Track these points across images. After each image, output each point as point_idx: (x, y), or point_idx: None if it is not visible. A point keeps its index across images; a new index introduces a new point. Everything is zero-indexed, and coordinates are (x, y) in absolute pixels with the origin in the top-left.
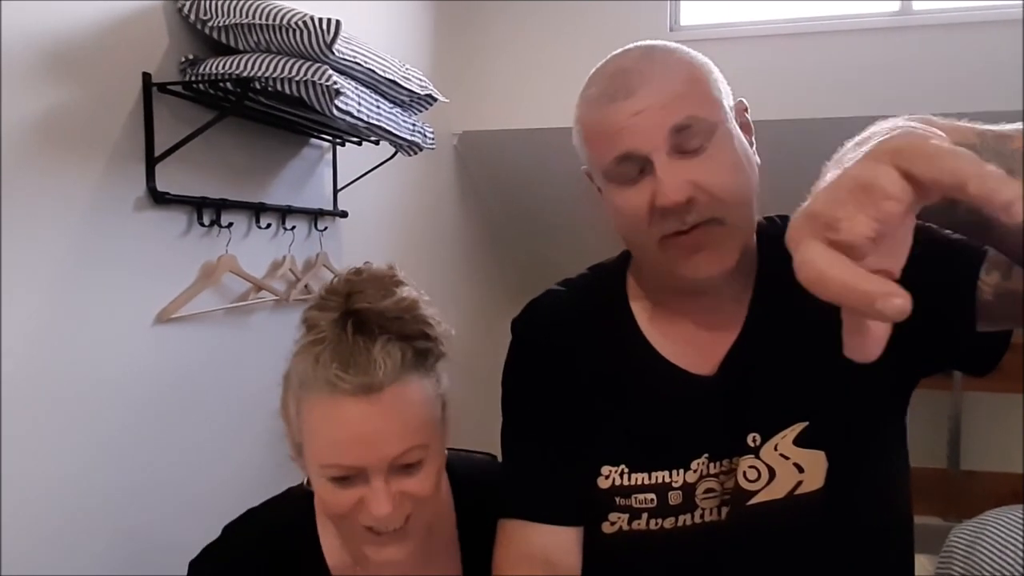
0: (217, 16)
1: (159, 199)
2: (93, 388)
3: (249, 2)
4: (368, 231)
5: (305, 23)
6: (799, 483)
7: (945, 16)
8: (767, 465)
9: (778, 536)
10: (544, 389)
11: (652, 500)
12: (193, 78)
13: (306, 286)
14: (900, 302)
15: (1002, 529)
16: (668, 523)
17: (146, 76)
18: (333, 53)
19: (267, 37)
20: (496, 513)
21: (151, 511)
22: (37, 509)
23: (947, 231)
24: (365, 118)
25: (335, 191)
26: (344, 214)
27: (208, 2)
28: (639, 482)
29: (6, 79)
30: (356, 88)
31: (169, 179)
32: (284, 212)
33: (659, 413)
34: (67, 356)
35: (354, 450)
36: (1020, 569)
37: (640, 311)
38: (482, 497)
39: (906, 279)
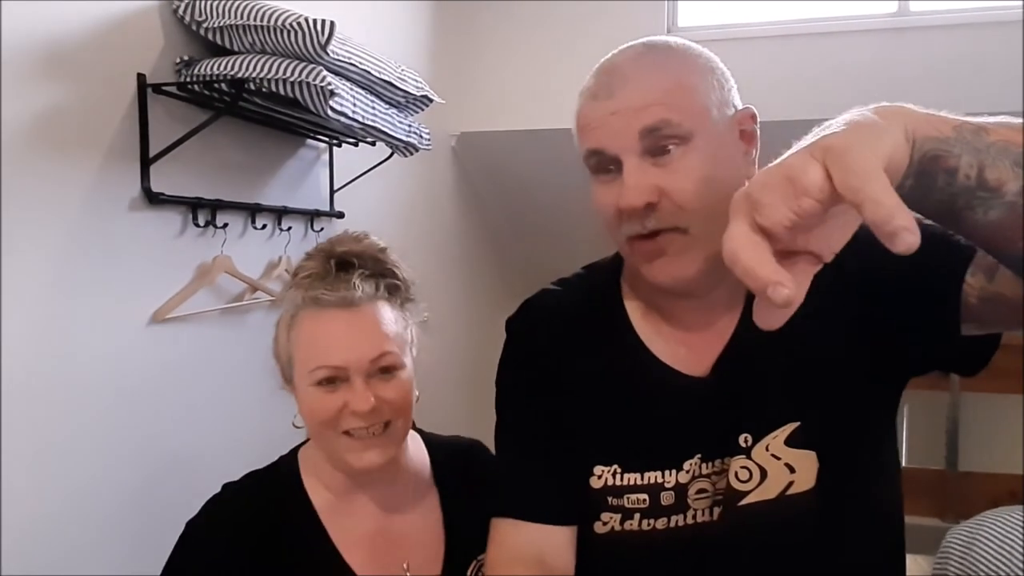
0: (212, 17)
1: (154, 199)
2: (89, 388)
3: (244, 3)
4: (365, 232)
5: (299, 24)
6: (790, 483)
7: (943, 17)
8: (759, 465)
9: (770, 536)
10: (537, 388)
11: (644, 500)
12: (188, 79)
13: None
14: (786, 292)
15: (999, 530)
16: (660, 524)
17: (141, 77)
18: (327, 54)
19: (262, 38)
20: (469, 467)
21: (146, 510)
22: (34, 508)
23: (938, 228)
24: (360, 119)
25: (331, 192)
26: (341, 215)
27: (203, 3)
28: (631, 482)
29: (2, 80)
30: (351, 89)
31: (164, 179)
32: (280, 213)
33: (652, 413)
34: (63, 356)
35: (338, 351)
36: (1017, 569)
37: (634, 311)
38: (454, 454)
39: (893, 279)
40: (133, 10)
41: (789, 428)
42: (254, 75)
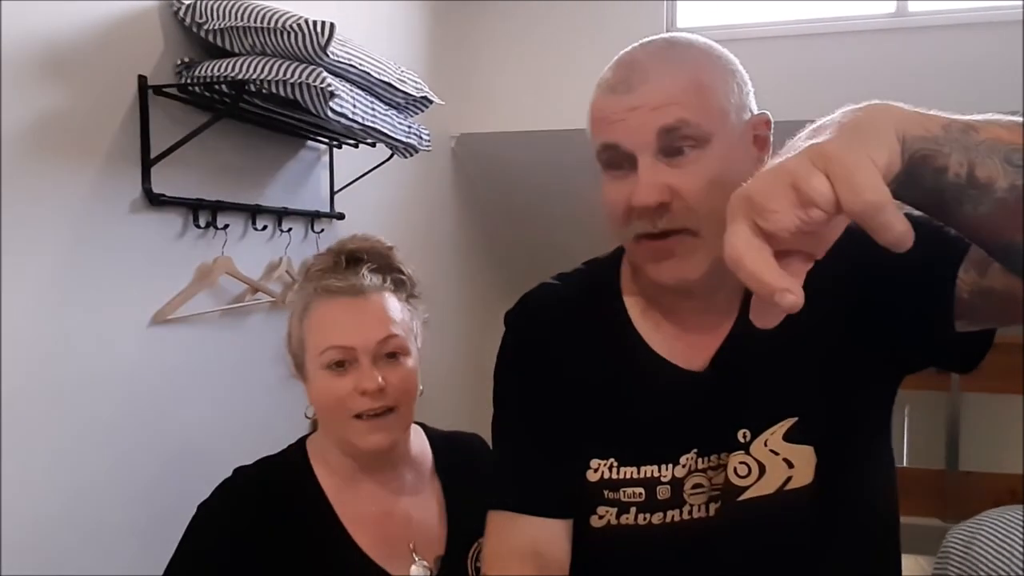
0: (212, 19)
1: (155, 201)
2: (89, 389)
3: (244, 5)
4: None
5: (299, 26)
6: (789, 478)
7: (941, 17)
8: (757, 461)
9: (768, 531)
10: (535, 381)
11: (640, 494)
12: (188, 81)
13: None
14: (792, 299)
15: (999, 529)
16: (656, 518)
17: (142, 79)
18: (327, 55)
19: (262, 40)
20: (469, 459)
21: (147, 511)
22: (35, 509)
23: (930, 222)
24: (360, 120)
25: (332, 193)
26: (341, 216)
27: (203, 5)
28: (627, 476)
29: (3, 82)
30: (351, 90)
31: (165, 181)
32: (280, 214)
33: (649, 408)
34: (63, 357)
35: (347, 333)
36: (1017, 569)
37: (632, 305)
38: (454, 445)
39: (887, 274)
40: (133, 12)
41: (787, 423)
42: (254, 77)
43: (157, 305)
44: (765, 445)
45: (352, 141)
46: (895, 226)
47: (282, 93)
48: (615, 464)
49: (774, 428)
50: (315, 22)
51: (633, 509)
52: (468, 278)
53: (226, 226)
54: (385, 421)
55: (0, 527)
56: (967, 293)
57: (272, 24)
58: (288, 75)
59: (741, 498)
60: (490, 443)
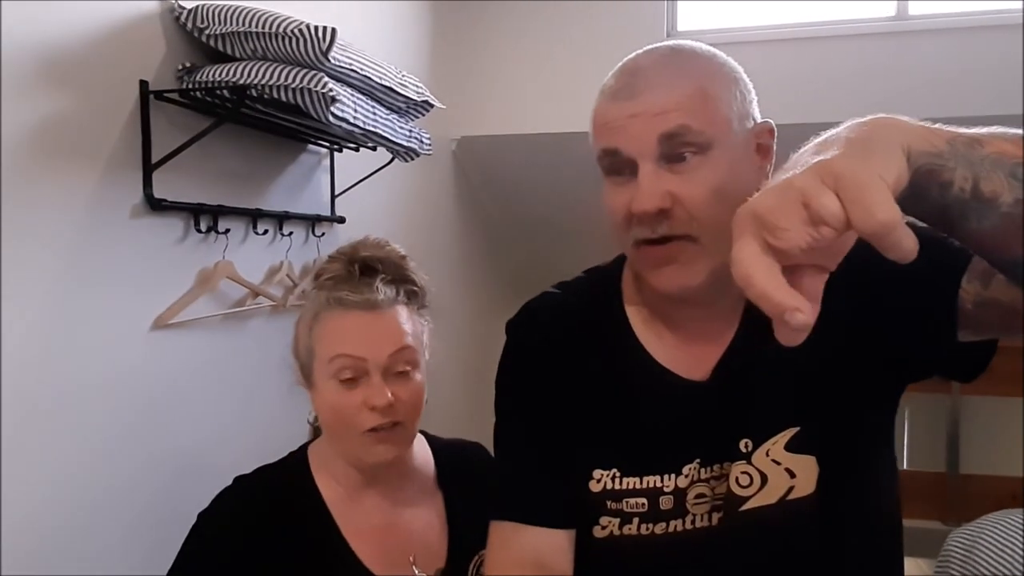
0: (214, 24)
1: (156, 206)
2: (90, 394)
3: (245, 10)
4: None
5: (301, 31)
6: (791, 488)
7: (941, 21)
8: (759, 471)
9: (771, 542)
10: (537, 391)
11: (643, 505)
12: (190, 86)
13: (303, 291)
14: (803, 318)
15: (1000, 533)
16: (659, 528)
17: (143, 84)
18: (329, 60)
19: (263, 45)
20: (471, 468)
21: (147, 516)
22: (35, 513)
23: (934, 232)
24: (361, 124)
25: (333, 197)
26: (342, 220)
27: (205, 10)
28: (630, 486)
29: (4, 87)
30: (352, 95)
31: (166, 186)
32: (281, 218)
33: (651, 418)
34: (64, 362)
35: (359, 344)
36: (1018, 572)
37: (634, 314)
38: (456, 455)
39: (891, 284)
40: (135, 17)
41: (789, 433)
42: (256, 82)
43: (158, 310)
44: (767, 455)
45: (353, 145)
46: (904, 243)
47: (283, 98)
48: (618, 474)
49: (776, 438)
50: (316, 27)
51: (636, 519)
52: (469, 281)
53: (227, 230)
54: (391, 434)
55: (0, 530)
56: (970, 303)
57: (274, 29)
58: (290, 80)
59: (743, 508)
60: (491, 452)
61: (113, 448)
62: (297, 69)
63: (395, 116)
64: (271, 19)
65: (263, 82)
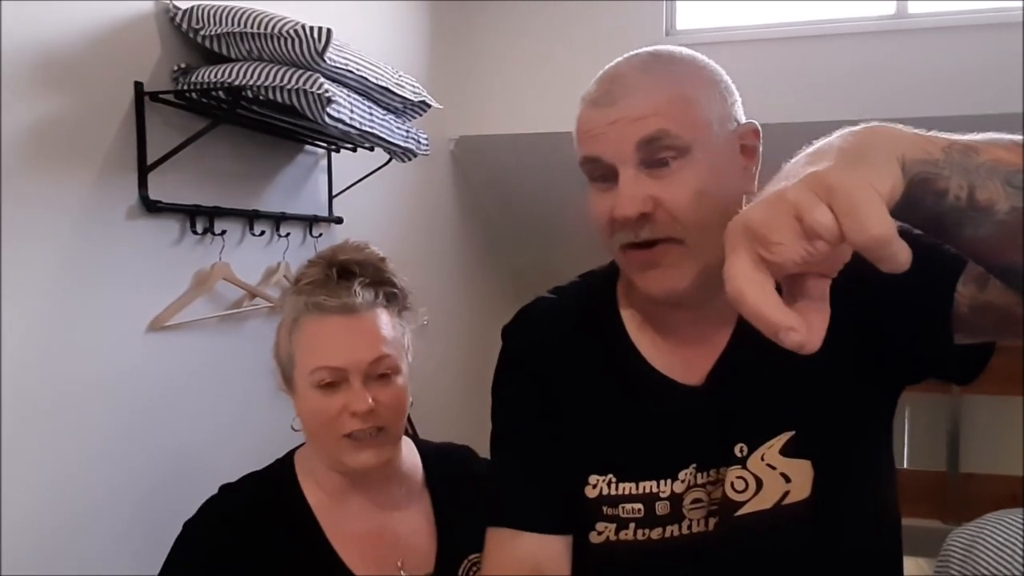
0: (209, 25)
1: (152, 207)
2: (87, 396)
3: (241, 11)
4: (364, 237)
5: (296, 32)
6: (786, 493)
7: (940, 19)
8: (754, 475)
9: (766, 546)
10: (532, 396)
11: (639, 510)
12: (185, 87)
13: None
14: (797, 337)
15: (1000, 532)
16: (655, 534)
17: (138, 85)
18: (325, 61)
19: (259, 46)
20: (459, 472)
21: (144, 517)
22: (33, 514)
23: (927, 237)
24: (358, 125)
25: (330, 197)
26: (339, 220)
27: (200, 11)
28: (626, 492)
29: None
30: (348, 95)
31: (162, 187)
32: (278, 219)
33: (647, 423)
34: (61, 363)
35: (338, 353)
36: (1018, 572)
37: (629, 319)
38: (445, 459)
39: (886, 289)
40: (130, 18)
41: (784, 437)
42: (251, 82)
43: (154, 311)
44: (762, 460)
45: (350, 146)
46: (899, 256)
47: (279, 99)
48: (613, 480)
49: (771, 442)
50: (312, 28)
51: (632, 525)
52: (467, 282)
53: (223, 232)
54: (375, 440)
55: (0, 530)
56: (966, 307)
57: (269, 30)
58: (285, 81)
59: (738, 513)
60: (482, 455)
61: (111, 449)
62: (293, 70)
63: (392, 116)
64: (266, 20)
65: (259, 83)
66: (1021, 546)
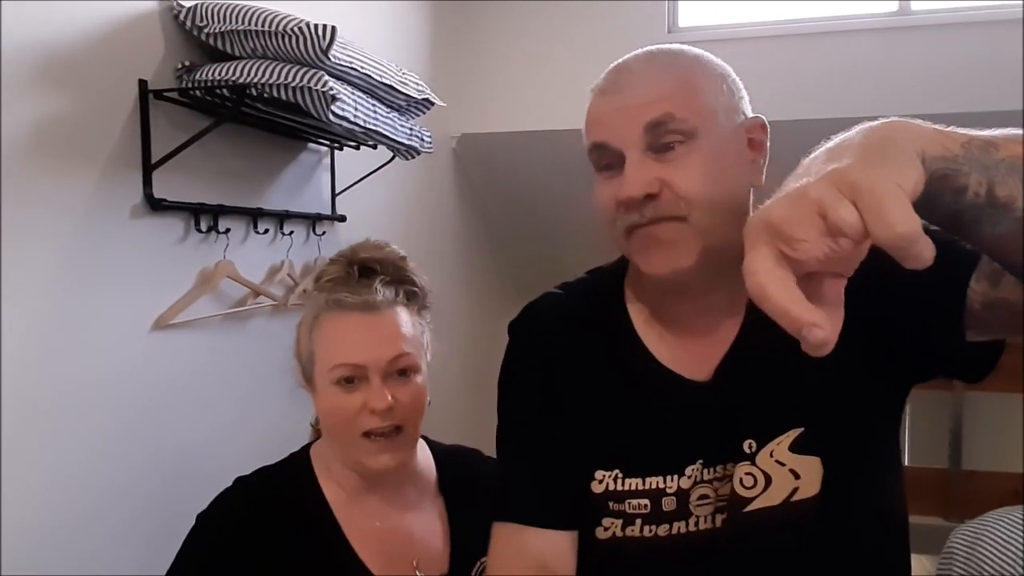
0: (213, 23)
1: (156, 206)
2: (91, 394)
3: (245, 8)
4: (367, 235)
5: (301, 29)
6: (795, 489)
7: (944, 16)
8: (763, 472)
9: (775, 543)
10: (539, 392)
11: (646, 506)
12: (189, 85)
13: (304, 291)
14: (821, 334)
15: (1003, 529)
16: (662, 530)
17: (142, 83)
18: (329, 59)
19: (263, 43)
20: (471, 475)
21: (147, 516)
22: (35, 513)
23: (941, 232)
24: (362, 123)
25: (333, 195)
26: (343, 218)
27: (204, 9)
28: (633, 487)
29: (3, 87)
30: (352, 93)
31: (166, 186)
32: (282, 217)
33: (654, 418)
34: (65, 363)
35: (358, 350)
36: (1021, 570)
37: (637, 315)
38: (457, 461)
39: (898, 285)
40: (134, 16)
41: (793, 434)
42: (256, 80)
43: (159, 310)
44: (771, 456)
45: (353, 143)
46: (925, 253)
47: (283, 97)
48: (620, 475)
49: (780, 438)
50: (316, 25)
51: (639, 521)
52: (470, 280)
53: (227, 230)
54: (393, 442)
55: (0, 531)
56: (979, 304)
57: (273, 27)
58: (289, 79)
59: (747, 509)
60: (490, 457)
61: (114, 448)
62: (297, 67)
63: (395, 114)
64: (271, 17)
65: (263, 81)
66: (1023, 543)
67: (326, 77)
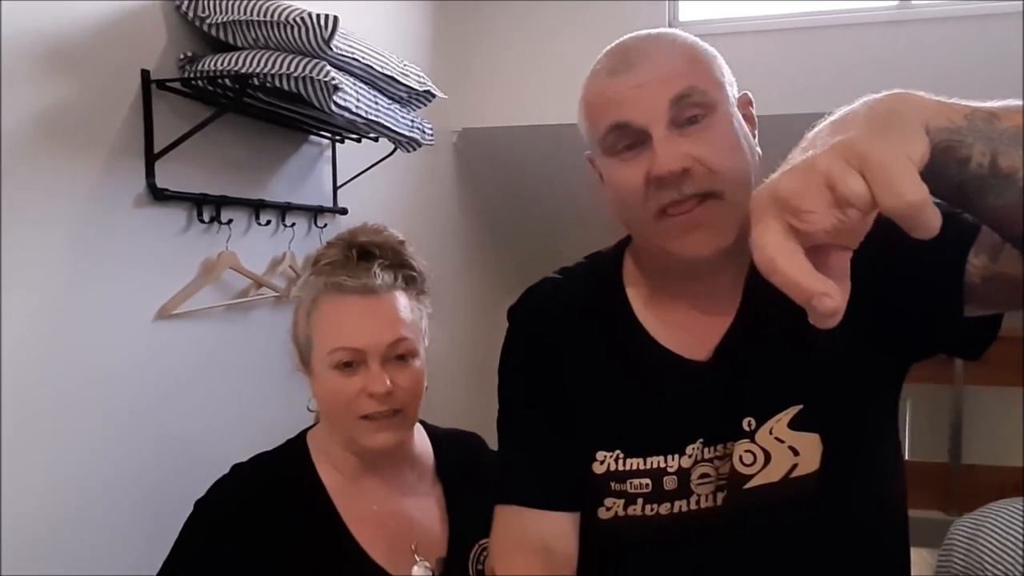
0: (215, 13)
1: (159, 196)
2: (94, 385)
3: None
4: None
5: (303, 19)
6: (795, 466)
7: (944, 9)
8: (763, 449)
9: (775, 519)
10: (539, 375)
11: (647, 485)
12: (192, 75)
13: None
14: (831, 303)
15: (1003, 522)
16: (664, 509)
17: (145, 73)
18: (331, 49)
19: (265, 33)
20: (469, 458)
21: (151, 506)
22: (37, 505)
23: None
24: (363, 114)
25: (335, 187)
26: (344, 211)
27: None
28: (634, 467)
29: (6, 77)
30: (354, 84)
31: (169, 176)
32: (284, 209)
33: (653, 398)
34: (68, 353)
35: (357, 334)
36: (1021, 561)
37: (635, 297)
38: (455, 445)
39: (897, 260)
40: (136, 6)
41: (792, 411)
42: (258, 71)
43: (161, 300)
44: (770, 433)
45: (355, 135)
46: (932, 222)
47: (286, 87)
48: (621, 456)
49: (779, 416)
50: (319, 16)
51: (640, 500)
52: (471, 272)
53: (230, 221)
54: (391, 422)
55: (0, 525)
56: (978, 278)
57: (275, 18)
58: (292, 69)
59: (747, 486)
60: (489, 442)
61: (117, 438)
62: (299, 58)
63: (397, 106)
64: (273, 8)
65: (265, 71)
66: (1023, 535)
67: (328, 67)
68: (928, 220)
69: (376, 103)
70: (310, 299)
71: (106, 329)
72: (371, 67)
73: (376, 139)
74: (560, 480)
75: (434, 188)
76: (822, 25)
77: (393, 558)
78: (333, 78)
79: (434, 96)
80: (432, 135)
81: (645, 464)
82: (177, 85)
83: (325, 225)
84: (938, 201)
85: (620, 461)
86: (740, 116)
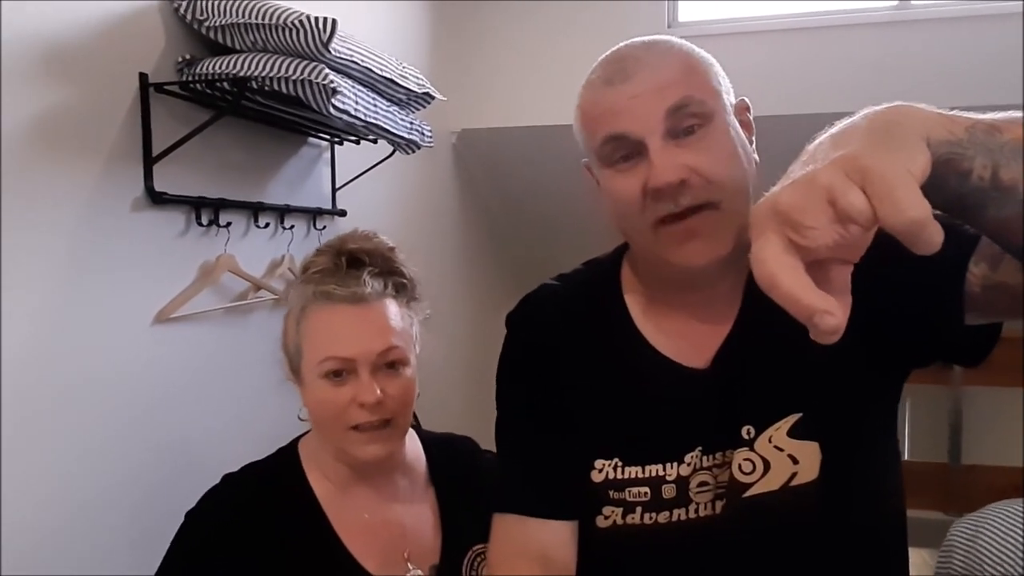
0: (213, 16)
1: (157, 199)
2: (92, 388)
3: (245, 2)
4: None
5: (301, 22)
6: (794, 474)
7: (943, 10)
8: (762, 457)
9: (774, 528)
10: (537, 383)
11: (646, 494)
12: (190, 78)
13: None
14: (833, 321)
15: (1002, 522)
16: (662, 517)
17: (143, 76)
18: (330, 52)
19: (264, 36)
20: (462, 463)
21: (149, 510)
22: (36, 508)
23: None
24: (362, 116)
25: (334, 190)
26: (343, 213)
27: (204, 2)
28: (632, 475)
29: (4, 80)
30: (353, 87)
31: (167, 179)
32: (283, 211)
33: (652, 406)
34: (66, 356)
35: (347, 344)
36: (1021, 562)
37: (634, 304)
38: (447, 450)
39: (896, 268)
40: (134, 9)
41: (792, 419)
42: (256, 74)
43: (160, 303)
44: (770, 441)
45: (354, 138)
46: (935, 238)
47: (284, 90)
48: (619, 464)
49: (778, 424)
50: (317, 18)
51: (639, 509)
52: (469, 274)
53: (228, 224)
54: (381, 433)
55: (0, 528)
56: (978, 287)
57: (274, 20)
58: (290, 72)
59: (746, 495)
60: (484, 446)
61: (115, 442)
62: (298, 61)
63: (396, 108)
64: (271, 10)
65: (263, 74)
66: (1023, 536)
67: (327, 70)
68: (930, 236)
69: (375, 105)
70: (299, 307)
71: (105, 332)
72: (370, 70)
73: (375, 141)
74: (559, 489)
75: (433, 189)
76: (822, 25)
77: (386, 567)
78: (332, 81)
79: (433, 98)
80: (431, 137)
81: (643, 472)
82: (175, 88)
83: (324, 227)
84: (938, 212)
85: (618, 469)
86: (737, 124)
